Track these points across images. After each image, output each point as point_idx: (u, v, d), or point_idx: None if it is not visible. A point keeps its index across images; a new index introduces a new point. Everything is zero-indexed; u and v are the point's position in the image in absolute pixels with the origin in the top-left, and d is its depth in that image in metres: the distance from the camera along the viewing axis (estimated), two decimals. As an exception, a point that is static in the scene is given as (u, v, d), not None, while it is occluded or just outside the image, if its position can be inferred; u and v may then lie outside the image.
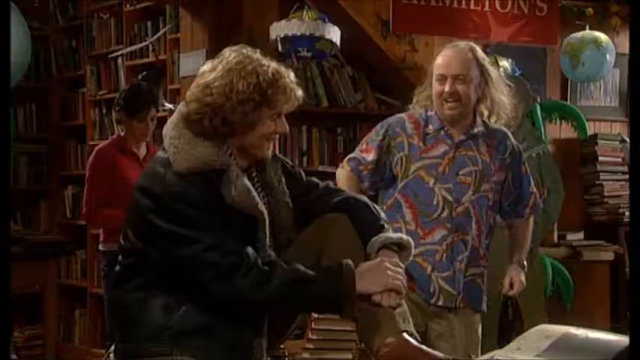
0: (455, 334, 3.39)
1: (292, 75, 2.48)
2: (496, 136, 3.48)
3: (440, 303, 3.37)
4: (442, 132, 3.42)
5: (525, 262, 3.68)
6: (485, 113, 3.46)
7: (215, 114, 2.39)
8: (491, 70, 3.45)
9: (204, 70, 2.47)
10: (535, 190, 3.61)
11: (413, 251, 2.57)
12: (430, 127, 3.44)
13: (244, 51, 2.46)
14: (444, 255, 3.36)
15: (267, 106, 2.41)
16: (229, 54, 2.46)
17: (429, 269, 3.35)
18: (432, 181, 3.37)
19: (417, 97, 3.53)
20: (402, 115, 3.55)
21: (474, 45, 3.49)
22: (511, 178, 3.50)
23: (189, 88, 2.47)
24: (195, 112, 2.41)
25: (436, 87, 3.40)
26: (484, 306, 3.51)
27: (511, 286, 3.62)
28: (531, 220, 3.67)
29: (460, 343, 3.39)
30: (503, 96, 3.46)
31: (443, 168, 3.39)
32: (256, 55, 2.45)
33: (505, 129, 3.56)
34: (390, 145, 3.44)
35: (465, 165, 3.40)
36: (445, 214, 3.36)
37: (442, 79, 3.38)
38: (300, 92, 2.47)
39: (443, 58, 3.42)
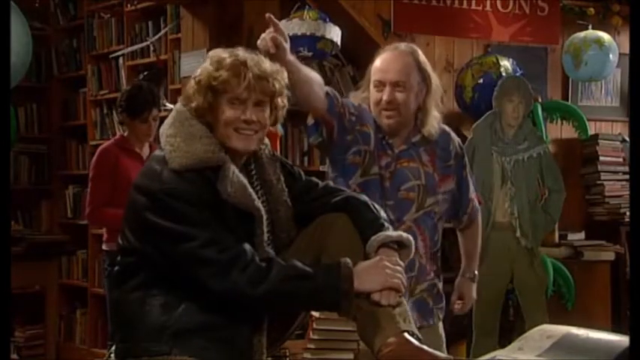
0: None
1: (265, 64, 2.48)
2: (439, 143, 3.26)
3: None
4: (383, 142, 3.19)
5: (476, 273, 3.45)
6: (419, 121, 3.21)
7: (189, 101, 2.46)
8: (433, 78, 3.20)
9: None
10: (474, 196, 3.39)
11: (413, 249, 2.57)
12: (379, 134, 3.20)
13: (227, 49, 2.51)
14: None
15: (221, 90, 2.43)
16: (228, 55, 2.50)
17: None
18: (377, 195, 3.10)
19: (353, 98, 3.27)
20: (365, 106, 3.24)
21: (416, 48, 3.24)
22: (456, 182, 3.30)
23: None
24: (183, 105, 2.48)
25: (374, 94, 3.15)
26: (432, 317, 3.28)
27: (462, 302, 3.42)
28: (479, 227, 3.46)
29: None
30: (436, 109, 3.22)
31: (386, 182, 3.16)
32: (236, 50, 2.49)
33: (447, 128, 3.33)
34: (359, 126, 3.16)
35: (407, 179, 3.18)
36: None
37: (380, 85, 3.14)
38: (252, 75, 2.44)
39: (381, 63, 3.16)
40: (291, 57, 2.80)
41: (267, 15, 2.77)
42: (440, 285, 3.33)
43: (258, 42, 2.75)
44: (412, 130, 3.23)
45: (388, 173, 3.18)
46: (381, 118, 3.17)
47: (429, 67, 3.22)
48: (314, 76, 3.06)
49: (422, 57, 3.21)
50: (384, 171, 3.18)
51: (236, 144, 2.45)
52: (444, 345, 3.35)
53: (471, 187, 3.39)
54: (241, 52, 2.49)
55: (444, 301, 3.36)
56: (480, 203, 3.47)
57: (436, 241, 3.28)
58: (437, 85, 3.23)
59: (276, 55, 2.69)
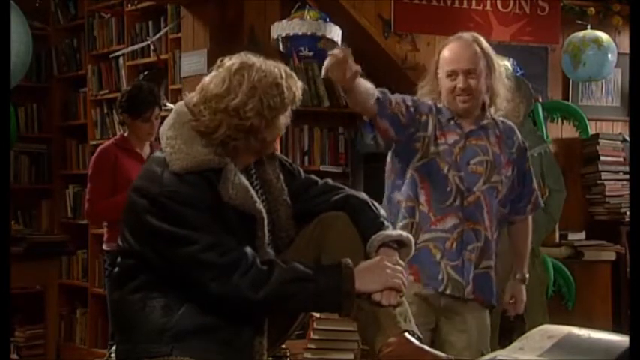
0: (467, 328, 3.35)
1: (285, 66, 2.50)
2: (504, 131, 3.46)
3: (448, 291, 3.30)
4: (452, 122, 3.38)
5: (527, 275, 3.65)
6: (487, 103, 3.43)
7: (251, 134, 2.42)
8: (496, 61, 3.42)
9: (216, 91, 2.41)
10: (536, 188, 3.58)
11: (413, 248, 2.57)
12: (440, 117, 3.40)
13: (249, 61, 2.44)
14: (454, 244, 3.30)
15: (286, 109, 2.46)
16: (237, 67, 2.42)
17: (438, 256, 3.29)
18: (446, 168, 3.32)
19: (420, 91, 3.48)
20: (428, 100, 3.46)
21: (478, 35, 3.45)
22: (516, 174, 3.47)
23: (202, 111, 2.41)
24: (228, 137, 2.41)
25: (447, 83, 3.36)
26: (495, 300, 3.47)
27: (514, 304, 3.60)
28: (530, 222, 3.63)
29: (473, 337, 3.35)
30: (504, 88, 3.43)
31: (455, 156, 3.35)
32: (258, 60, 2.46)
33: (512, 124, 3.54)
34: (416, 118, 3.35)
35: (476, 154, 3.36)
36: (457, 202, 3.31)
37: (453, 74, 3.34)
38: (299, 82, 2.50)
39: (451, 53, 3.37)
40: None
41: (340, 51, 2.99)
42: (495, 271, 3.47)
43: (330, 73, 2.97)
44: (480, 115, 3.42)
45: (457, 149, 3.36)
46: (456, 103, 3.36)
47: (492, 52, 3.42)
48: (366, 85, 3.23)
49: (484, 43, 3.42)
50: (453, 147, 3.35)
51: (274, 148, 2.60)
52: (489, 333, 3.48)
53: (534, 180, 3.57)
54: (276, 63, 2.48)
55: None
56: (542, 196, 3.66)
57: (497, 223, 3.43)
58: (500, 67, 3.44)
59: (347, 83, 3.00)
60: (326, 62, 2.95)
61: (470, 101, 3.35)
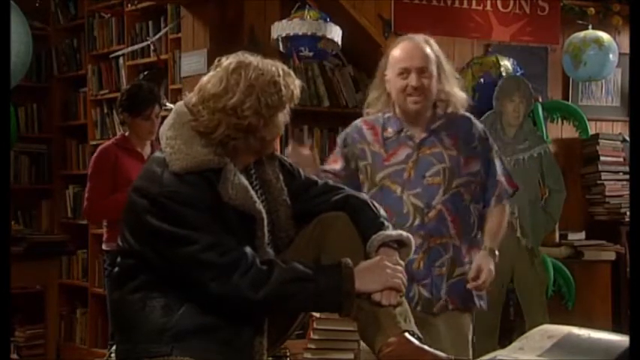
0: (440, 338, 3.24)
1: (283, 65, 2.50)
2: (460, 126, 3.37)
3: (418, 309, 3.22)
4: (402, 134, 3.31)
5: (497, 252, 3.40)
6: (442, 106, 3.35)
7: (250, 133, 2.41)
8: (446, 64, 3.35)
9: (214, 90, 2.41)
10: (503, 178, 3.43)
11: (413, 248, 2.57)
12: (389, 130, 3.34)
13: (246, 60, 2.44)
14: (421, 263, 3.25)
15: (285, 107, 2.46)
16: (234, 66, 2.42)
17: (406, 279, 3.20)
18: (399, 190, 3.27)
19: (368, 99, 3.42)
20: (358, 122, 3.43)
21: (429, 37, 3.38)
22: (481, 165, 3.38)
23: (200, 111, 2.41)
24: (227, 137, 2.40)
25: (398, 82, 3.28)
26: (479, 302, 3.37)
27: (478, 275, 3.32)
28: (506, 208, 3.47)
29: (446, 346, 3.17)
30: (456, 88, 3.36)
31: (408, 173, 3.28)
32: (255, 59, 2.45)
33: (469, 115, 3.44)
34: (354, 152, 3.35)
35: (431, 165, 3.29)
36: (417, 222, 3.25)
37: (405, 72, 3.26)
38: (297, 80, 2.50)
39: (403, 52, 3.30)
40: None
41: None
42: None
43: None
44: (432, 118, 3.34)
45: (411, 163, 3.29)
46: (407, 104, 3.29)
47: (441, 55, 3.37)
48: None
49: (435, 46, 3.37)
50: (405, 163, 3.29)
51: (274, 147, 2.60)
52: (470, 341, 3.37)
53: (499, 170, 3.43)
54: (273, 62, 2.48)
55: (485, 293, 3.40)
56: (514, 187, 3.47)
57: (472, 224, 3.35)
58: (450, 69, 3.38)
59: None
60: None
61: (422, 102, 3.28)
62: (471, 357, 3.31)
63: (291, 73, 2.48)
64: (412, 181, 3.27)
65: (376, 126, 3.36)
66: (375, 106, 3.40)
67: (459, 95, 3.37)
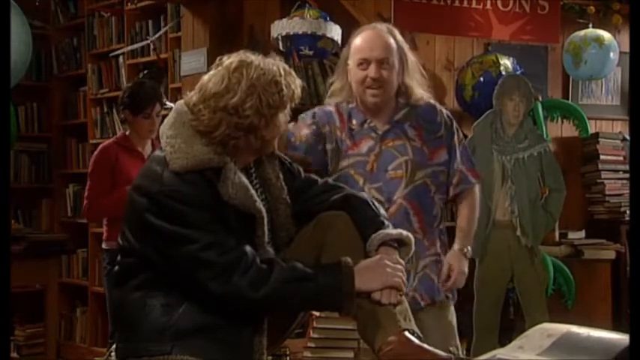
0: (427, 332, 3.21)
1: (284, 64, 2.49)
2: (424, 116, 3.27)
3: None
4: (365, 125, 3.23)
5: (469, 249, 3.34)
6: (401, 98, 3.25)
7: (251, 132, 2.41)
8: (409, 57, 3.24)
9: (215, 90, 2.40)
10: (463, 167, 3.32)
11: (413, 247, 2.56)
12: (353, 121, 3.24)
13: (247, 60, 2.44)
14: None
15: (286, 107, 2.46)
16: (236, 65, 2.42)
17: None
18: (361, 181, 3.19)
19: (332, 88, 3.32)
20: (328, 106, 3.32)
21: (393, 27, 3.28)
22: (447, 154, 3.29)
23: (201, 110, 2.41)
24: (228, 136, 2.40)
25: (357, 73, 3.18)
26: (441, 293, 3.26)
27: (449, 276, 3.26)
28: (475, 202, 3.37)
29: (435, 339, 3.08)
30: (418, 84, 3.26)
31: (370, 166, 3.19)
32: (256, 58, 2.45)
33: (433, 102, 3.33)
34: (322, 132, 3.24)
35: (394, 158, 3.20)
36: None
37: (364, 63, 3.16)
38: (298, 79, 2.50)
39: (363, 42, 3.19)
40: None
41: None
42: (438, 262, 3.28)
43: None
44: (395, 109, 3.26)
45: (373, 156, 3.21)
46: (366, 96, 3.20)
47: (405, 46, 3.26)
48: None
49: (399, 36, 3.25)
50: (368, 156, 3.20)
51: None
52: (455, 328, 3.31)
53: (460, 159, 3.32)
54: (275, 61, 2.47)
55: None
56: (476, 177, 3.37)
57: (435, 215, 3.27)
58: (413, 63, 3.27)
59: None
60: None
61: (380, 96, 3.18)
62: (458, 343, 3.29)
63: (292, 72, 2.48)
64: (374, 174, 3.20)
65: (343, 114, 3.28)
66: (338, 96, 3.30)
67: (419, 93, 3.26)
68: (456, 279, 3.26)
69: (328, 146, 3.24)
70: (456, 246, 3.31)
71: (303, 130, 3.24)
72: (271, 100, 2.39)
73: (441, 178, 3.28)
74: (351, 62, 3.22)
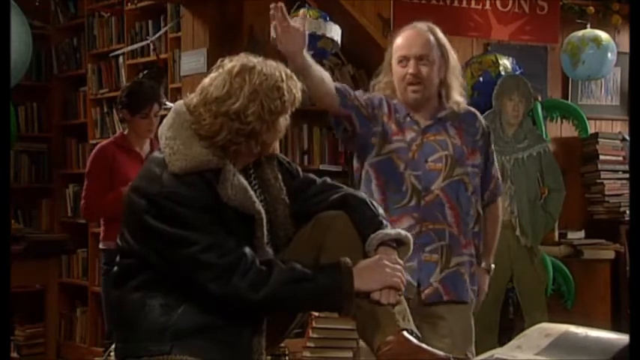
0: (449, 333, 3.24)
1: (285, 68, 2.50)
2: (465, 119, 3.37)
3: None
4: (408, 119, 3.31)
5: (492, 265, 3.52)
6: (443, 95, 3.34)
7: (252, 137, 2.41)
8: (451, 54, 3.33)
9: (217, 94, 2.40)
10: (498, 175, 3.48)
11: (412, 246, 2.57)
12: (397, 114, 3.32)
13: (249, 64, 2.43)
14: None
15: (287, 111, 2.46)
16: (238, 70, 2.41)
17: None
18: (402, 166, 3.25)
19: (375, 86, 3.40)
20: (380, 94, 3.39)
21: (434, 26, 3.36)
22: (482, 160, 3.38)
23: (202, 114, 2.40)
24: (229, 141, 2.40)
25: (398, 70, 3.28)
26: (468, 295, 3.33)
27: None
28: (498, 212, 3.51)
29: (457, 341, 3.23)
30: (457, 82, 3.35)
31: (412, 154, 3.27)
32: (258, 62, 2.45)
33: (474, 110, 3.45)
34: (372, 110, 3.30)
35: (435, 151, 3.28)
36: (413, 202, 3.23)
37: (404, 60, 3.27)
38: (299, 83, 2.50)
39: (404, 40, 3.29)
40: (306, 54, 2.98)
41: (272, 5, 2.90)
42: (476, 268, 3.37)
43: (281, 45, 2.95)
44: (437, 107, 3.34)
45: (415, 146, 3.28)
46: (407, 92, 3.29)
47: (447, 44, 3.34)
48: (324, 73, 3.16)
49: (440, 34, 3.34)
50: (411, 144, 3.28)
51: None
52: (473, 334, 3.35)
53: (495, 166, 3.47)
54: (275, 64, 2.47)
55: (477, 288, 3.40)
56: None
57: (472, 215, 3.34)
58: (455, 61, 3.36)
59: (289, 49, 2.93)
60: (275, 33, 2.96)
61: (420, 91, 3.26)
62: (474, 350, 3.31)
63: (294, 76, 2.48)
64: (415, 161, 3.27)
65: (391, 104, 3.35)
66: (382, 91, 3.39)
67: (458, 98, 3.35)
68: (479, 299, 3.41)
69: (376, 128, 3.30)
70: (483, 264, 3.44)
71: (360, 98, 3.29)
72: (273, 105, 2.39)
73: (476, 180, 3.36)
74: (393, 60, 3.31)
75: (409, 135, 3.29)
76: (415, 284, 3.22)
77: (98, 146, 4.81)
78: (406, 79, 3.27)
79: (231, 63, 2.44)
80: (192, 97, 2.46)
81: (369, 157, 3.30)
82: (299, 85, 2.47)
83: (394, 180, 3.25)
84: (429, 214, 3.24)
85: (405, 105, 3.32)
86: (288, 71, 2.47)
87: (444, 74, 3.31)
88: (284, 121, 2.47)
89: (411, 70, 3.25)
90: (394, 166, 3.25)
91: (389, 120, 3.31)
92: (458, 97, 3.35)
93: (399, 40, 3.31)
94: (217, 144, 2.40)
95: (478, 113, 3.46)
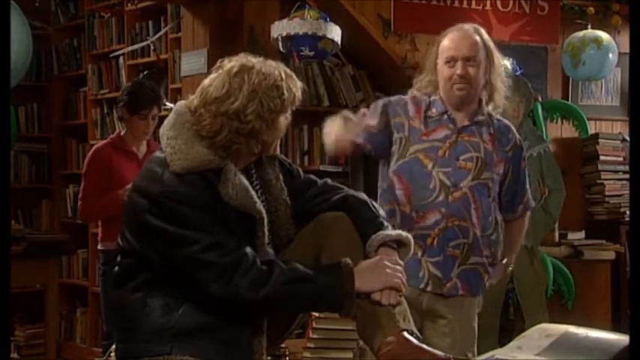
0: (451, 331, 3.29)
1: (285, 67, 2.50)
2: (500, 129, 3.41)
3: (429, 289, 3.26)
4: (445, 116, 3.35)
5: (512, 264, 3.64)
6: (484, 99, 3.39)
7: (252, 136, 2.42)
8: (496, 56, 3.39)
9: (216, 94, 2.41)
10: (529, 189, 3.56)
11: (412, 247, 2.57)
12: (433, 110, 3.35)
13: (248, 64, 2.44)
14: (435, 240, 3.25)
15: (287, 110, 2.46)
16: (237, 70, 2.42)
17: (419, 253, 3.22)
18: (430, 165, 3.28)
19: (417, 84, 3.45)
20: (403, 96, 3.45)
21: (480, 27, 3.43)
22: (511, 173, 3.42)
23: (202, 114, 2.41)
24: (230, 140, 2.41)
25: (445, 71, 3.33)
26: (480, 294, 3.42)
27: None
28: (526, 220, 3.61)
29: (457, 340, 3.28)
30: (502, 84, 3.39)
31: (443, 152, 3.30)
32: (257, 62, 2.45)
33: (509, 122, 3.50)
34: (389, 121, 3.37)
35: (467, 150, 3.32)
36: (441, 198, 3.25)
37: (452, 60, 3.31)
38: (298, 82, 2.50)
39: (451, 41, 3.35)
40: None
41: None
42: (490, 273, 3.42)
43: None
44: (477, 110, 3.38)
45: (448, 144, 3.32)
46: (453, 91, 3.32)
47: (492, 45, 3.40)
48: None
49: (485, 35, 3.40)
50: (443, 142, 3.32)
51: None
52: (476, 335, 3.40)
53: (527, 180, 3.53)
54: (275, 64, 2.49)
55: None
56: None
57: (490, 222, 3.36)
58: (500, 62, 3.41)
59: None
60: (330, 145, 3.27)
61: (466, 90, 3.31)
62: (476, 351, 3.33)
63: (293, 75, 2.48)
64: (445, 159, 3.30)
65: (421, 104, 3.38)
66: (424, 89, 3.42)
67: (500, 101, 3.40)
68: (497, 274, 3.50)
69: (397, 135, 3.34)
70: (504, 260, 3.51)
71: (372, 120, 3.36)
72: (272, 104, 2.40)
73: (496, 188, 3.39)
74: (440, 61, 3.35)
75: (443, 132, 3.33)
76: (443, 279, 3.28)
77: (94, 147, 4.82)
78: (453, 80, 3.31)
79: (230, 63, 2.44)
80: (193, 99, 2.47)
81: (391, 164, 3.34)
82: (299, 84, 2.48)
83: (421, 178, 3.28)
84: (456, 210, 3.27)
85: (447, 103, 3.36)
86: (288, 70, 2.48)
87: (489, 75, 3.36)
88: (284, 120, 2.47)
89: (459, 72, 3.29)
90: (421, 166, 3.30)
91: (417, 121, 3.35)
92: (501, 100, 3.40)
93: (446, 42, 3.35)
94: (218, 144, 2.41)
95: (513, 127, 3.50)
